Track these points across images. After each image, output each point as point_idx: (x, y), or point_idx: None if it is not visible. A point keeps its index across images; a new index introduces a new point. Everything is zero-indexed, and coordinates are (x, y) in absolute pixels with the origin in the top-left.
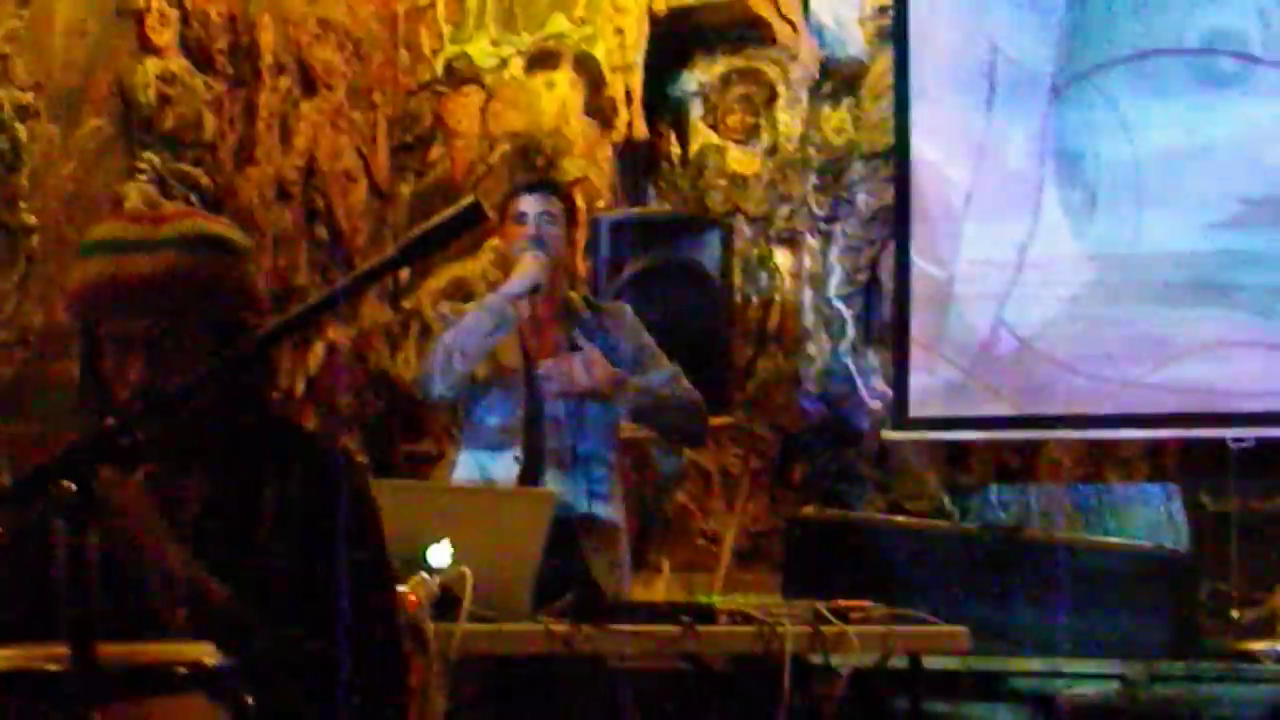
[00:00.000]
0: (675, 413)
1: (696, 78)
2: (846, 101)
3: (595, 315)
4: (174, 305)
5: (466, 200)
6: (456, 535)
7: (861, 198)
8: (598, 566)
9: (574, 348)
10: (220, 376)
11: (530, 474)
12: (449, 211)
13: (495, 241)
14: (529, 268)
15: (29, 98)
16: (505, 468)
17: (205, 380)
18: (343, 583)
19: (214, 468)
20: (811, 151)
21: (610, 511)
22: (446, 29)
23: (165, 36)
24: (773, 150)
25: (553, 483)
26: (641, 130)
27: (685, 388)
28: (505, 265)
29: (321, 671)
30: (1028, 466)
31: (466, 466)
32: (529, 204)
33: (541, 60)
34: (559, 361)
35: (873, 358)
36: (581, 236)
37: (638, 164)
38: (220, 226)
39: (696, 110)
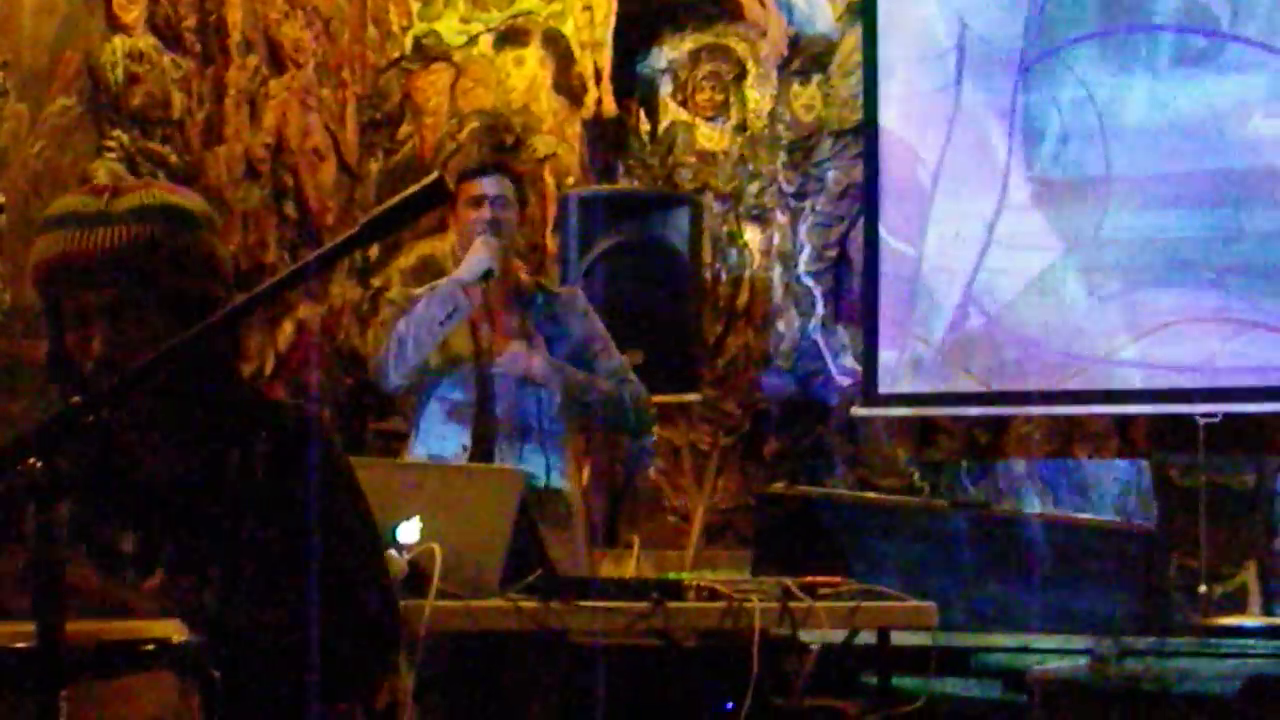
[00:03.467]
0: (612, 410)
1: (665, 54)
2: (816, 78)
3: (548, 300)
4: (133, 277)
5: (429, 177)
6: (425, 513)
7: (831, 174)
8: (550, 542)
9: (529, 337)
10: (186, 352)
11: (479, 456)
12: (412, 189)
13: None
14: (480, 254)
15: None
16: (452, 452)
17: (171, 356)
18: (315, 546)
19: (178, 441)
20: (781, 128)
21: (569, 487)
22: (415, 6)
23: (133, 14)
24: (742, 127)
25: (503, 462)
26: (611, 107)
27: (631, 383)
28: (462, 247)
29: (294, 638)
30: (997, 442)
31: (417, 448)
32: (484, 187)
33: (510, 37)
34: (514, 355)
35: (842, 334)
36: (550, 214)
37: (607, 141)
38: (179, 198)
39: (666, 87)
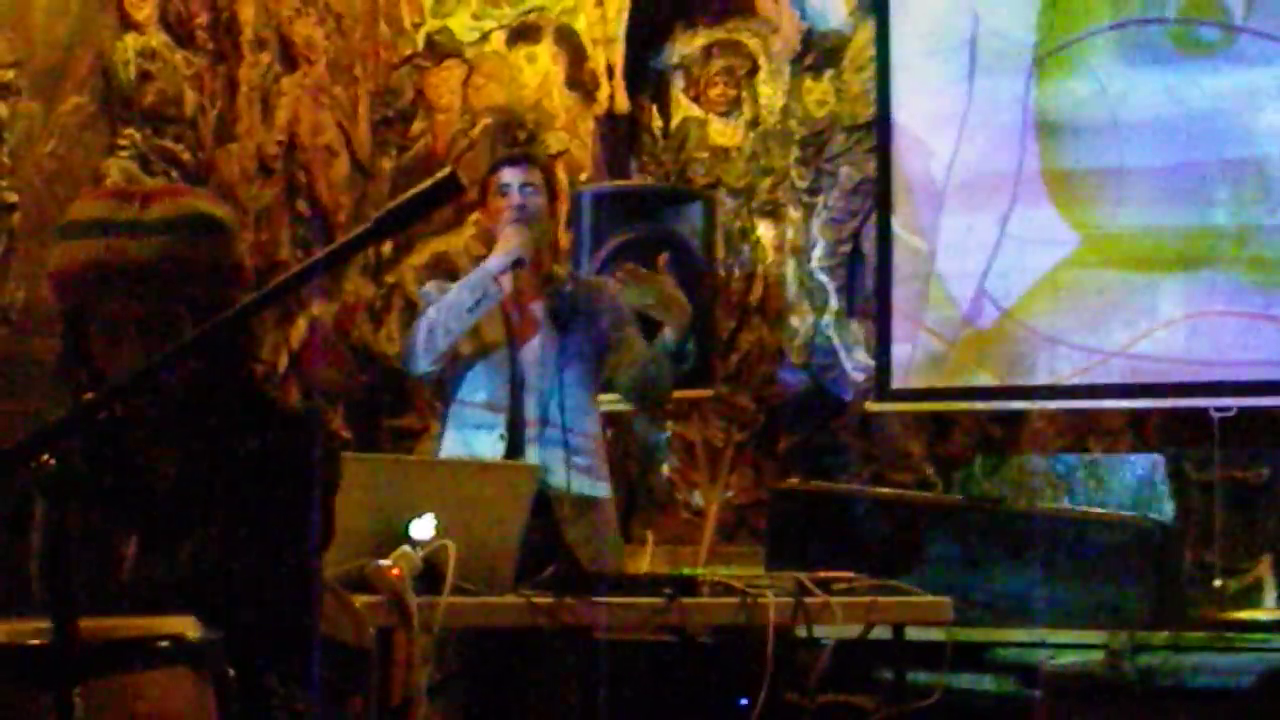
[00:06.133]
0: (639, 380)
1: (678, 50)
2: (828, 73)
3: (577, 288)
4: (167, 289)
5: (442, 172)
6: (440, 509)
7: (844, 170)
8: (576, 539)
9: (557, 322)
10: (197, 349)
11: (515, 450)
12: (425, 184)
13: (477, 216)
14: (512, 242)
15: (10, 75)
16: (490, 445)
17: (182, 354)
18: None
19: (189, 441)
20: (793, 124)
21: (592, 484)
22: (427, 2)
23: (145, 12)
24: (754, 122)
25: (534, 457)
26: (623, 103)
27: (657, 361)
28: (489, 241)
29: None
30: (1011, 437)
31: (452, 445)
32: (511, 176)
33: (523, 34)
34: (543, 343)
35: (856, 329)
36: (563, 210)
37: (619, 137)
38: (208, 205)
39: (678, 83)
